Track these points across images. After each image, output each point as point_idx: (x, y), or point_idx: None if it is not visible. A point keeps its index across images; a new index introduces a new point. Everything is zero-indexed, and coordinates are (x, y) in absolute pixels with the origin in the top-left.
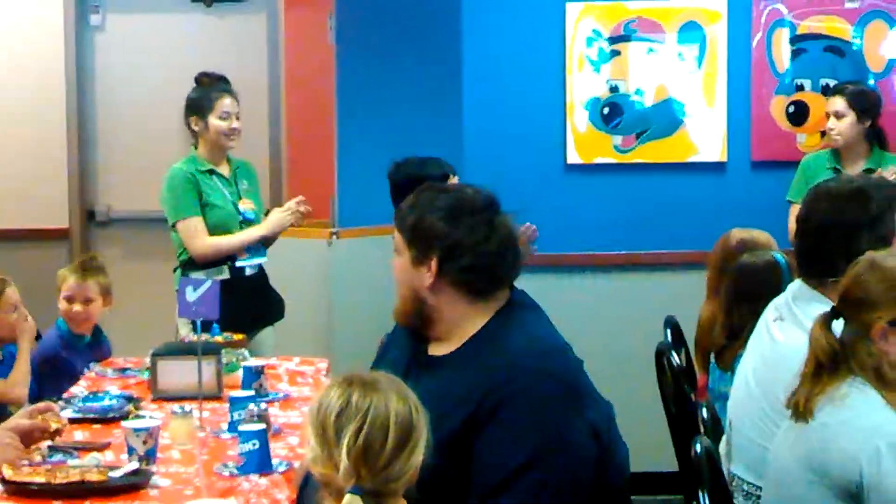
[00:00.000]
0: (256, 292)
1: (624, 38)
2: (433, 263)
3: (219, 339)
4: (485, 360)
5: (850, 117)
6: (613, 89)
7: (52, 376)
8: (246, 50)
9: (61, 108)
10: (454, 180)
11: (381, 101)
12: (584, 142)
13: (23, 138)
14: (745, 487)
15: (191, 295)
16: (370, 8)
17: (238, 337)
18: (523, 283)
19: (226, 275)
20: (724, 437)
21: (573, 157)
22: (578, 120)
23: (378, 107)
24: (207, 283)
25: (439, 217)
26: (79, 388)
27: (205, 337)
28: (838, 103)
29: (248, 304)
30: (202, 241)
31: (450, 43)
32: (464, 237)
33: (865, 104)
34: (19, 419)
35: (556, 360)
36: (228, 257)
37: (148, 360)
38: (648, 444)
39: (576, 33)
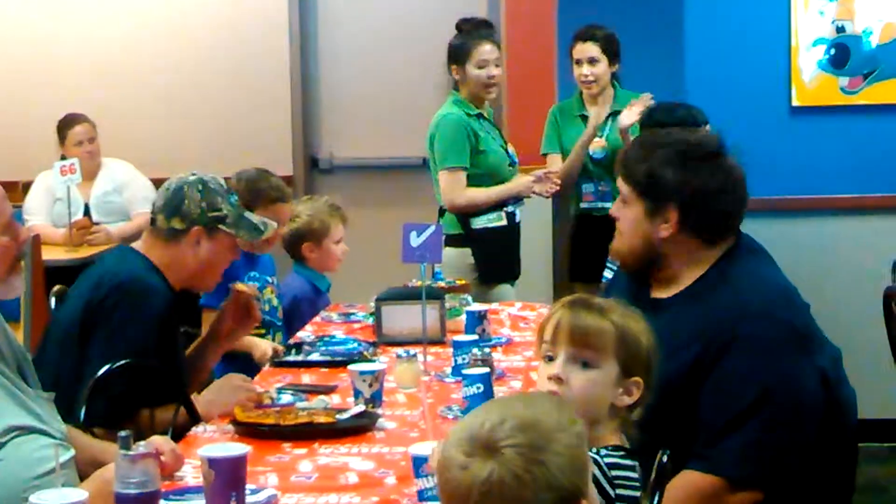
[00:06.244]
0: (516, 244)
1: None
2: (672, 215)
3: (441, 284)
4: (713, 301)
5: (604, 62)
6: (840, 30)
7: (299, 320)
8: None
9: (285, 57)
10: (706, 130)
11: None
12: (809, 84)
13: (247, 87)
14: None
15: (414, 240)
16: None
17: (461, 282)
18: (747, 226)
19: (503, 221)
20: None
21: (798, 100)
22: (804, 62)
23: None
24: (431, 228)
25: (673, 167)
26: (306, 333)
27: (428, 282)
28: (592, 49)
29: (509, 254)
30: (461, 193)
31: None
32: (702, 185)
33: (615, 48)
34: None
35: (785, 303)
36: (502, 204)
37: (372, 305)
38: (876, 391)
39: None
